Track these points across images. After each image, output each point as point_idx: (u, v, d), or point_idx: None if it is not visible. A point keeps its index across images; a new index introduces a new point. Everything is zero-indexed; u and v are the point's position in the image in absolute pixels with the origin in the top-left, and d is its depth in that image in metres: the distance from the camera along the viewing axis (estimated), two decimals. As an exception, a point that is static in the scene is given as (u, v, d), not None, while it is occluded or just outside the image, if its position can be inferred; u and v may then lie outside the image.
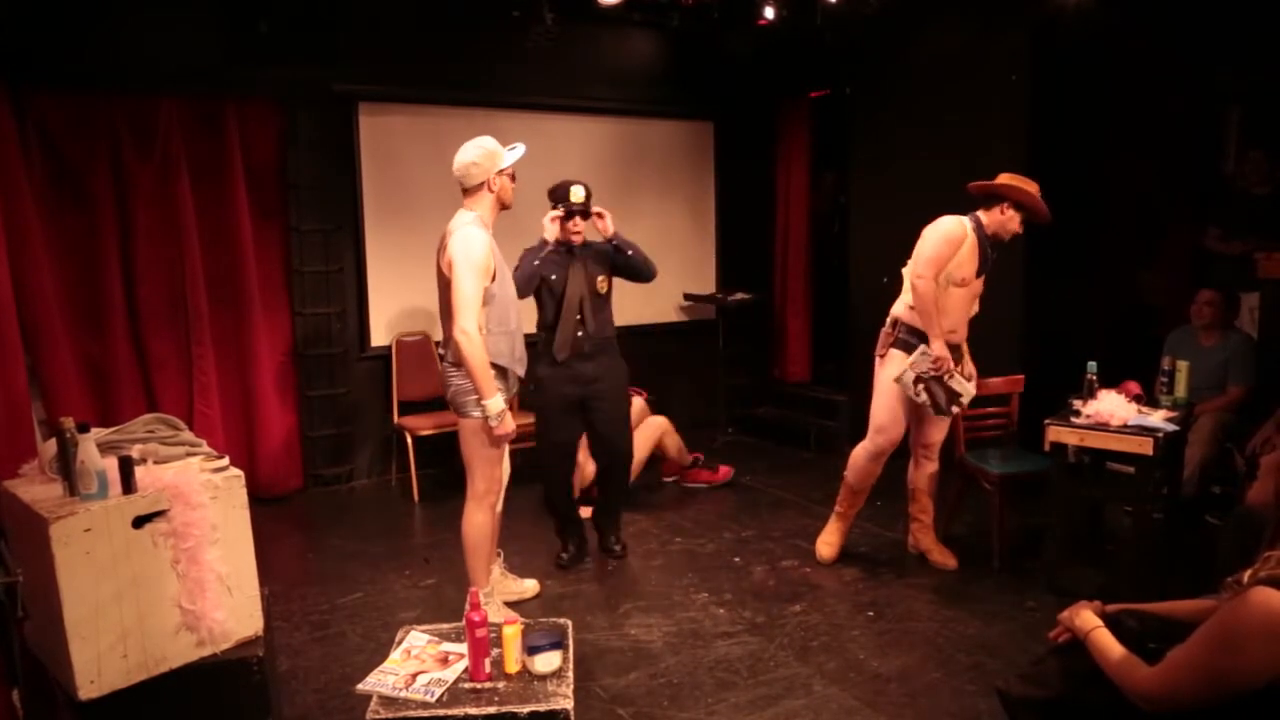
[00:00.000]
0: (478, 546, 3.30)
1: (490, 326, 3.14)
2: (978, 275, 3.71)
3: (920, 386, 3.62)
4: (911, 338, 3.69)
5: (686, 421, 6.01)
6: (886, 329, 3.80)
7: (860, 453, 3.88)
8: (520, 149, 3.27)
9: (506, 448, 3.43)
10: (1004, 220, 3.63)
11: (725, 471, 5.31)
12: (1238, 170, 5.08)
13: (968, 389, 3.69)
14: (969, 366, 3.83)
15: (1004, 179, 3.63)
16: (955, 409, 3.71)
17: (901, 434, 3.80)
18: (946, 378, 3.60)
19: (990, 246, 3.70)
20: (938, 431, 3.89)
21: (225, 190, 4.77)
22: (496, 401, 3.09)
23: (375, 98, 5.18)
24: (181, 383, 4.75)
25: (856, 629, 3.39)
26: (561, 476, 4.00)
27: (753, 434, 6.29)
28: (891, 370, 3.72)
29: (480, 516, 3.29)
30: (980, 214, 3.68)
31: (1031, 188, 3.60)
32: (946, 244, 3.62)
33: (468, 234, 3.09)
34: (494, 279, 3.14)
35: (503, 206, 3.26)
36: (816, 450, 5.91)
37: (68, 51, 4.29)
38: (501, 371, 3.19)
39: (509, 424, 3.14)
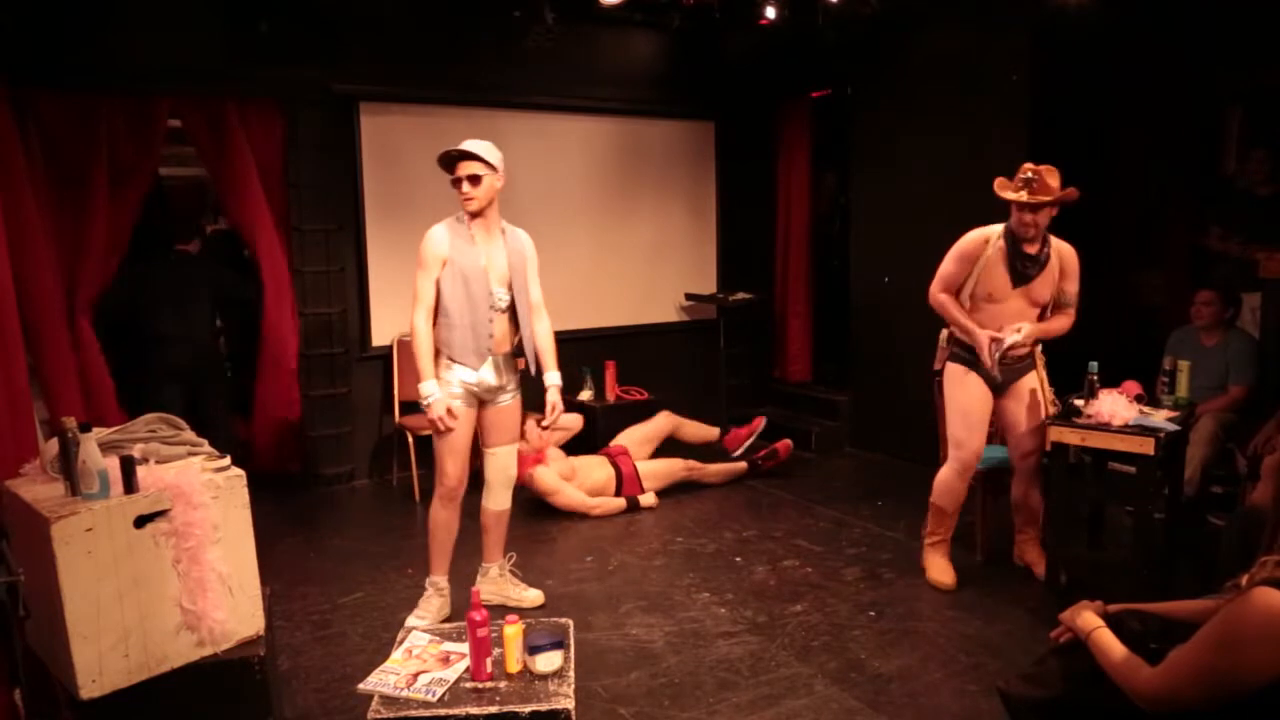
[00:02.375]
0: (429, 535, 3.46)
1: (439, 318, 3.32)
2: (1015, 287, 3.49)
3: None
4: (962, 350, 3.62)
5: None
6: (942, 344, 3.75)
7: (946, 473, 3.70)
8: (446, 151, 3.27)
9: (455, 444, 3.34)
10: (1014, 218, 3.43)
11: (759, 421, 5.53)
12: (1239, 170, 5.08)
13: (1013, 337, 3.46)
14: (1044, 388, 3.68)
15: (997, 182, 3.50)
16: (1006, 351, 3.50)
17: (982, 443, 3.66)
18: (996, 353, 3.47)
19: (1023, 257, 3.46)
20: (1030, 439, 3.64)
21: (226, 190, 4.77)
22: (426, 386, 3.26)
23: (375, 98, 5.18)
24: (182, 383, 4.75)
25: (858, 629, 3.39)
26: None
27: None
28: (951, 387, 3.67)
29: (434, 508, 3.44)
30: None
31: (1008, 186, 3.42)
32: (955, 260, 3.59)
33: (428, 232, 3.35)
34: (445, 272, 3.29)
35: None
36: (817, 450, 5.92)
37: (68, 52, 4.29)
38: (449, 363, 3.33)
39: (436, 409, 3.25)
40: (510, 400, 3.47)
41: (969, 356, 3.60)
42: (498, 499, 3.54)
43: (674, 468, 5.11)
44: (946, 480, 3.71)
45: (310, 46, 4.87)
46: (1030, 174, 3.36)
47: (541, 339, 3.48)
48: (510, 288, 3.37)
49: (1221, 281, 4.47)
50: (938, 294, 3.63)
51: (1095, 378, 3.60)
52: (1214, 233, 4.93)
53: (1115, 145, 5.13)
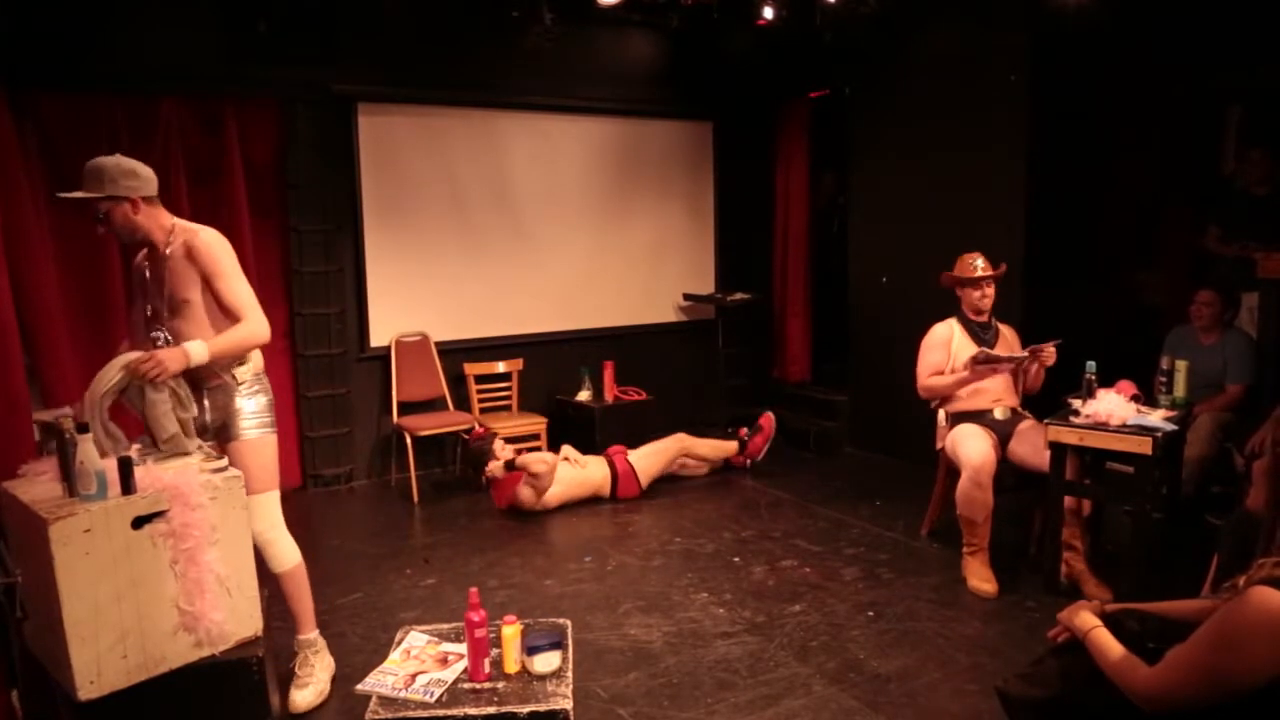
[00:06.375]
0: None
1: None
2: None
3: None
4: (961, 419, 3.96)
5: (687, 422, 6.01)
6: (942, 423, 4.07)
7: (962, 484, 3.74)
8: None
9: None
10: (970, 297, 4.02)
11: (767, 418, 5.58)
12: (1238, 170, 5.07)
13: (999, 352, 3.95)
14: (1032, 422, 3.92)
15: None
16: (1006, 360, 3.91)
17: (989, 454, 3.68)
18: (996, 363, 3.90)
19: (980, 327, 4.05)
20: (1036, 454, 3.70)
21: (225, 190, 4.77)
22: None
23: (375, 98, 5.18)
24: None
25: (856, 629, 3.39)
26: None
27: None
28: (955, 438, 3.85)
29: None
30: None
31: (959, 269, 4.01)
32: (931, 349, 4.06)
33: None
34: None
35: None
36: (817, 450, 5.91)
37: (68, 52, 4.30)
38: None
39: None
40: (239, 438, 2.79)
41: (965, 419, 3.93)
42: (267, 559, 2.90)
43: (667, 443, 5.18)
44: (964, 490, 3.72)
45: (309, 46, 4.88)
46: (979, 259, 4.01)
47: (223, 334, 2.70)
48: (172, 319, 2.74)
49: (1221, 282, 4.47)
50: (924, 380, 4.03)
51: (1093, 378, 3.60)
52: (1213, 232, 4.93)
53: (1115, 145, 5.13)
